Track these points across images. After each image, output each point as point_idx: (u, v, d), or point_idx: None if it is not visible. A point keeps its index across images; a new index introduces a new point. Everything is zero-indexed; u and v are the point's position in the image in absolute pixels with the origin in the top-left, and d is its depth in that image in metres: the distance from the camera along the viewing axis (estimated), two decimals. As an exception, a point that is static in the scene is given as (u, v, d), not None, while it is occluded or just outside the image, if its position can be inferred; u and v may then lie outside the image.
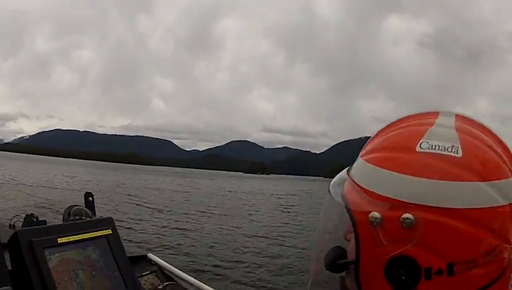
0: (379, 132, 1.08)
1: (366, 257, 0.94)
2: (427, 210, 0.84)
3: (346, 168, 1.11)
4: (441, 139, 0.90)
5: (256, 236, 20.78)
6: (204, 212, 30.61)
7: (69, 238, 2.45)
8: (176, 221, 24.45)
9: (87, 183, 52.74)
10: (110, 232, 2.68)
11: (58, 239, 2.40)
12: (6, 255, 2.37)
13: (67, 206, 3.23)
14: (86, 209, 3.23)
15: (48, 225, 2.60)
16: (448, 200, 0.83)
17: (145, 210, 29.35)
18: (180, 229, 21.39)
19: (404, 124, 1.02)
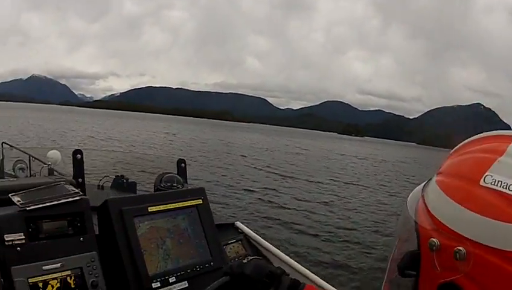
0: (455, 151, 1.07)
1: (425, 276, 0.97)
2: (481, 248, 0.83)
3: (424, 183, 1.10)
4: (507, 175, 0.87)
5: (358, 212, 18.32)
6: (296, 176, 28.22)
7: (159, 207, 2.55)
8: (272, 187, 22.44)
9: (182, 141, 52.94)
10: (201, 202, 2.75)
11: (148, 208, 2.50)
12: (94, 219, 2.51)
13: (159, 173, 3.27)
14: (178, 176, 3.26)
15: (139, 194, 2.70)
16: (503, 242, 0.81)
17: (245, 171, 28.47)
18: (275, 196, 19.64)
19: (476, 148, 1.00)
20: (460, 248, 0.86)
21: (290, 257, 3.08)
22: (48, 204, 2.24)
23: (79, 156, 3.02)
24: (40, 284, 2.08)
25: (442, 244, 0.91)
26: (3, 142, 9.96)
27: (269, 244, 3.20)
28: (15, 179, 3.65)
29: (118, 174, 4.69)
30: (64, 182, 2.62)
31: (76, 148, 3.24)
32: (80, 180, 3.02)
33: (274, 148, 56.93)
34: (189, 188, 3.18)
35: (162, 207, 2.57)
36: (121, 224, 2.40)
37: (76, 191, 2.42)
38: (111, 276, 2.36)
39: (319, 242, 12.67)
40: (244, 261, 1.73)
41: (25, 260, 2.09)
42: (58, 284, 2.13)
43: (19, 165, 4.78)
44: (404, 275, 1.04)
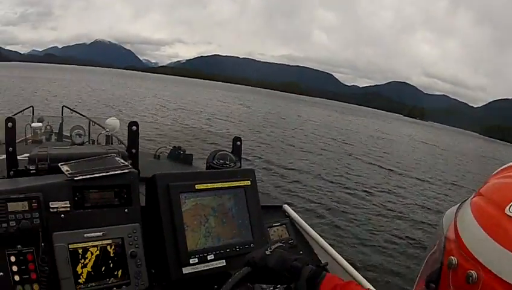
0: (497, 172, 1.05)
1: None
2: (492, 276, 0.82)
3: (462, 201, 1.09)
4: None
5: (420, 207, 16.80)
6: (356, 160, 26.60)
7: (207, 186, 2.59)
8: (331, 170, 21.11)
9: (246, 110, 52.88)
10: (249, 183, 2.77)
11: (196, 185, 2.55)
12: (143, 189, 2.59)
13: (212, 150, 3.28)
14: (231, 154, 3.26)
15: (195, 166, 2.72)
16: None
17: (307, 150, 27.35)
18: (330, 181, 18.40)
19: None
20: (473, 272, 0.85)
21: (333, 247, 3.06)
22: (95, 175, 2.30)
23: (134, 127, 2.98)
24: (80, 251, 2.17)
25: (459, 264, 0.91)
26: (63, 106, 10.25)
27: (313, 231, 3.19)
28: (68, 146, 3.69)
29: (175, 145, 4.78)
30: (114, 154, 2.68)
31: (133, 119, 3.28)
32: (134, 151, 3.01)
33: (340, 127, 55.20)
34: (241, 167, 3.20)
35: (209, 185, 2.60)
36: (167, 199, 2.46)
37: (126, 163, 2.47)
38: (151, 248, 2.43)
39: (368, 237, 12.10)
40: (267, 252, 1.73)
41: (67, 227, 2.18)
42: (98, 252, 2.21)
43: (76, 130, 4.76)
44: (428, 287, 1.05)
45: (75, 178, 2.25)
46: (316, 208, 13.74)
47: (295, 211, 3.34)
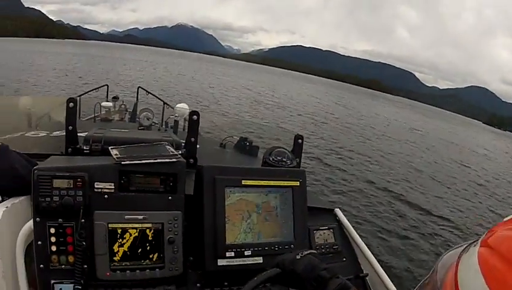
0: (508, 220, 0.98)
1: None
2: None
3: (464, 246, 1.04)
4: None
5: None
6: (427, 170, 23.31)
7: (253, 182, 2.59)
8: (397, 180, 19.08)
9: (325, 105, 52.23)
10: (298, 184, 2.73)
11: (242, 181, 2.56)
12: (191, 178, 2.64)
13: (271, 146, 3.25)
14: (289, 152, 3.21)
15: (239, 166, 2.72)
16: None
17: (377, 153, 25.37)
18: (394, 192, 16.74)
19: None
20: None
21: (377, 259, 2.98)
22: (142, 161, 2.37)
23: (195, 117, 3.08)
24: (119, 231, 2.26)
25: None
26: (139, 87, 10.50)
27: (359, 239, 3.11)
28: (127, 130, 3.79)
29: (242, 136, 4.78)
30: (167, 143, 2.75)
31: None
32: (193, 139, 3.13)
33: (420, 130, 51.52)
34: (299, 167, 3.18)
35: (255, 182, 2.61)
36: (212, 191, 2.49)
37: (175, 153, 2.51)
38: (189, 237, 2.48)
39: (421, 258, 11.10)
40: (298, 256, 1.71)
41: (109, 207, 2.28)
42: (137, 234, 2.30)
43: (144, 113, 4.98)
44: None
45: (122, 162, 2.33)
46: (369, 217, 13.28)
47: (346, 216, 3.28)
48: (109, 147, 2.54)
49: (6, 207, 2.27)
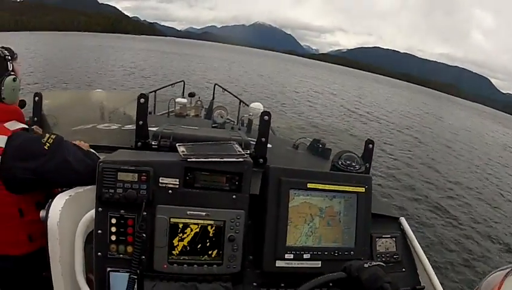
0: None
1: None
2: None
3: (507, 271, 1.01)
4: None
5: None
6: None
7: (319, 186, 2.57)
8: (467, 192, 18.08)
9: (408, 112, 50.31)
10: (363, 191, 2.69)
11: (308, 184, 2.55)
12: (258, 177, 2.66)
13: (341, 150, 3.24)
14: (358, 157, 3.18)
15: (305, 169, 2.72)
16: None
17: (450, 163, 23.96)
18: (464, 203, 16.01)
19: None
20: None
21: (436, 272, 2.90)
22: (208, 159, 2.40)
23: (266, 117, 3.14)
24: (180, 225, 2.34)
25: None
26: (215, 84, 10.61)
27: (421, 250, 3.04)
28: (196, 128, 3.86)
29: (316, 137, 4.81)
30: (235, 142, 2.74)
31: (266, 109, 3.35)
32: (263, 140, 3.18)
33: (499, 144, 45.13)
34: (368, 172, 3.17)
35: (321, 186, 2.59)
36: (276, 192, 2.51)
37: (242, 153, 2.51)
38: (250, 235, 2.52)
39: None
40: (366, 265, 1.71)
41: (172, 202, 2.35)
42: (197, 230, 2.36)
43: (218, 110, 5.04)
44: None
45: (188, 159, 2.38)
46: (432, 227, 12.84)
47: (411, 225, 3.21)
48: (176, 144, 2.59)
49: (70, 195, 2.41)
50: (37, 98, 3.70)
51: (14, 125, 2.64)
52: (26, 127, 2.73)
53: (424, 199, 15.36)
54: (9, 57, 2.71)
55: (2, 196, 2.54)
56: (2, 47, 2.76)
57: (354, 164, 3.06)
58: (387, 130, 30.52)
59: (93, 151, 2.83)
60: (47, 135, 2.60)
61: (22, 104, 3.01)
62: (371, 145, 3.37)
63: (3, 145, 2.51)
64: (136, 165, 2.31)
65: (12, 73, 2.68)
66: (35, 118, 3.70)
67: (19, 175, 2.51)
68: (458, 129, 46.38)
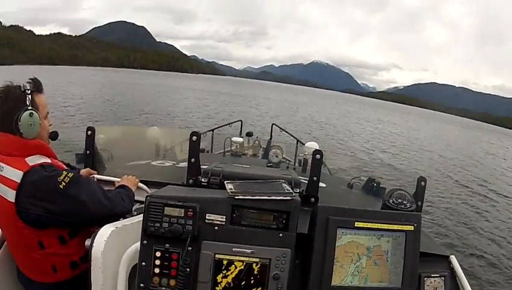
0: None
1: None
2: None
3: None
4: None
5: None
6: None
7: (366, 225, 2.53)
8: None
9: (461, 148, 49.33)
10: (412, 229, 2.63)
11: (355, 223, 2.52)
12: (307, 216, 2.67)
13: (391, 188, 3.21)
14: (410, 195, 3.12)
15: (352, 207, 2.71)
16: None
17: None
18: None
19: None
20: None
21: None
22: (255, 197, 2.41)
23: (318, 156, 3.13)
24: (225, 262, 2.35)
25: None
26: (273, 124, 10.72)
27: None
28: (248, 166, 3.90)
29: (370, 176, 4.73)
30: (284, 180, 2.74)
31: (318, 148, 3.37)
32: (315, 179, 3.17)
33: None
34: (420, 211, 3.17)
35: (369, 225, 2.56)
36: (324, 231, 2.50)
37: (290, 191, 2.51)
38: (296, 274, 2.52)
39: None
40: None
41: (218, 239, 2.37)
42: (242, 267, 2.36)
43: (274, 150, 5.09)
44: None
45: (236, 197, 2.40)
46: (481, 267, 12.08)
47: (461, 264, 3.14)
48: (225, 181, 2.61)
49: (116, 227, 2.52)
50: (89, 132, 3.80)
51: (35, 160, 2.67)
52: (49, 161, 2.75)
53: (475, 237, 14.91)
54: (29, 91, 2.69)
55: (19, 227, 2.61)
56: (31, 79, 2.78)
57: (404, 202, 3.02)
58: (439, 168, 29.76)
59: (133, 189, 2.95)
60: (64, 173, 2.64)
61: (53, 136, 3.01)
62: (423, 183, 3.34)
63: (19, 181, 2.56)
64: (183, 201, 2.35)
65: (29, 108, 2.65)
66: (88, 151, 3.80)
67: (34, 212, 2.57)
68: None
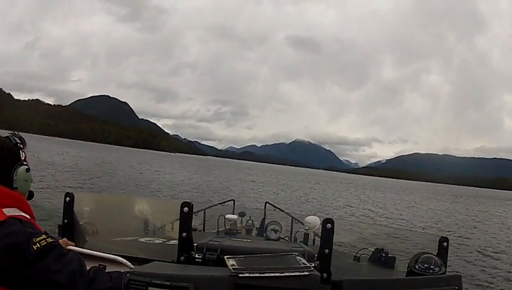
0: None
1: None
2: None
3: None
4: None
5: None
6: None
7: None
8: None
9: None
10: None
11: None
12: None
13: (417, 252, 3.00)
14: (436, 257, 2.92)
15: (396, 271, 2.41)
16: None
17: None
18: None
19: None
20: None
21: None
22: (266, 275, 2.03)
23: (329, 225, 2.81)
24: None
25: None
26: (266, 202, 10.59)
27: None
28: (249, 240, 3.59)
29: (378, 247, 4.52)
30: (297, 253, 2.42)
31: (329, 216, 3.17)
32: (327, 251, 2.81)
33: None
34: (445, 273, 2.84)
35: None
36: None
37: (307, 265, 2.16)
38: None
39: None
40: None
41: None
42: None
43: (272, 226, 4.82)
44: None
45: (240, 275, 2.02)
46: None
47: None
48: (225, 257, 2.24)
49: None
50: (68, 199, 3.42)
51: (13, 212, 2.34)
52: (28, 217, 2.42)
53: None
54: (21, 145, 2.54)
55: None
56: (13, 134, 2.59)
57: (432, 266, 2.78)
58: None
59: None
60: (43, 236, 2.25)
61: (30, 195, 2.65)
62: (445, 243, 3.12)
63: None
64: (172, 280, 1.94)
65: (25, 163, 2.49)
66: (66, 220, 3.42)
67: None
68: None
